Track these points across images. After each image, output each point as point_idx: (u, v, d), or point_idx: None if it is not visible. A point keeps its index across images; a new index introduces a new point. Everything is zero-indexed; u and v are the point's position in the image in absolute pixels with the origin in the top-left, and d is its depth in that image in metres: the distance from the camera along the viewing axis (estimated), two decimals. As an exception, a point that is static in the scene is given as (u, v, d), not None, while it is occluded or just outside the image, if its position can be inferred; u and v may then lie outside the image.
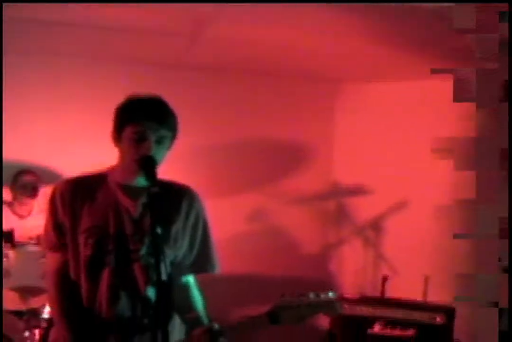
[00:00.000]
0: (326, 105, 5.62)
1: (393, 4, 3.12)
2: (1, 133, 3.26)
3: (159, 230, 2.04)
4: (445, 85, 3.94)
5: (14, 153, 4.77)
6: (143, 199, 2.27)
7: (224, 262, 2.49)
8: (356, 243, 5.44)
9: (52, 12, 3.72)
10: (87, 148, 4.89)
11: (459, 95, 3.44)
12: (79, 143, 5.01)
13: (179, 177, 2.46)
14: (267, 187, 5.53)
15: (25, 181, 4.75)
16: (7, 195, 4.83)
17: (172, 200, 2.33)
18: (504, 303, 2.77)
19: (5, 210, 4.70)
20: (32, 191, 4.74)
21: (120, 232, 2.28)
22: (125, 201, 2.30)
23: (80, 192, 2.32)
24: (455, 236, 4.30)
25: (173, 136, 2.31)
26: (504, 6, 2.28)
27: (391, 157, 5.26)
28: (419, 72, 4.64)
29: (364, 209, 5.43)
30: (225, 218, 4.70)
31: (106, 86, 5.00)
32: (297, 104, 5.54)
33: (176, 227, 2.33)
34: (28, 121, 4.98)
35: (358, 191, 5.40)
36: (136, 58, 5.06)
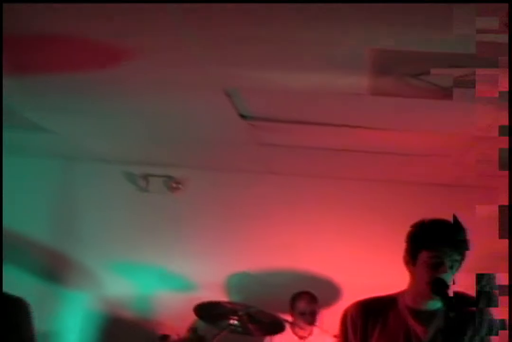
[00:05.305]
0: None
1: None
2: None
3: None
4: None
5: (314, 267, 5.06)
6: (435, 323, 2.35)
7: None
8: None
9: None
10: (377, 270, 4.86)
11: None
12: (371, 265, 5.00)
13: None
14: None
15: (302, 308, 4.58)
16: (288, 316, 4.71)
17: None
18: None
19: (287, 330, 4.52)
20: (310, 317, 4.57)
21: None
22: (415, 327, 2.38)
23: (371, 316, 2.43)
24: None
25: (462, 260, 2.36)
26: (504, 6, 2.19)
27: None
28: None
29: None
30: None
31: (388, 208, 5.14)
32: None
33: None
34: (328, 242, 5.15)
35: None
36: (412, 180, 5.12)
